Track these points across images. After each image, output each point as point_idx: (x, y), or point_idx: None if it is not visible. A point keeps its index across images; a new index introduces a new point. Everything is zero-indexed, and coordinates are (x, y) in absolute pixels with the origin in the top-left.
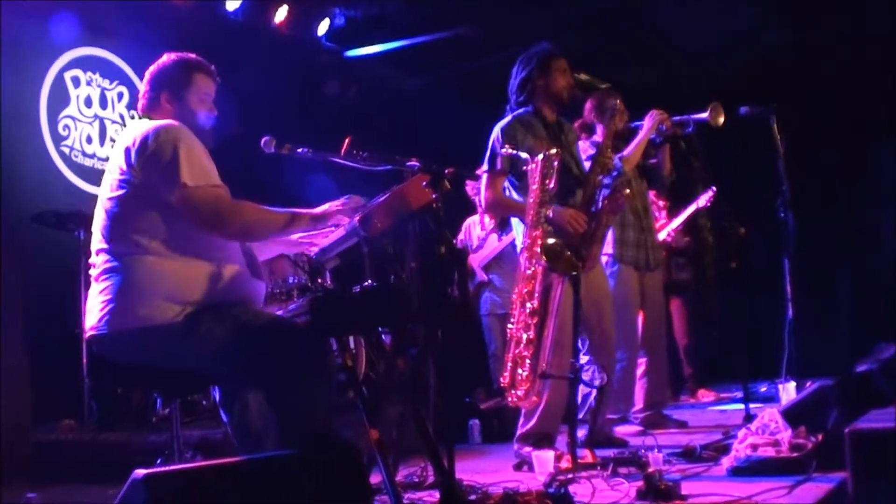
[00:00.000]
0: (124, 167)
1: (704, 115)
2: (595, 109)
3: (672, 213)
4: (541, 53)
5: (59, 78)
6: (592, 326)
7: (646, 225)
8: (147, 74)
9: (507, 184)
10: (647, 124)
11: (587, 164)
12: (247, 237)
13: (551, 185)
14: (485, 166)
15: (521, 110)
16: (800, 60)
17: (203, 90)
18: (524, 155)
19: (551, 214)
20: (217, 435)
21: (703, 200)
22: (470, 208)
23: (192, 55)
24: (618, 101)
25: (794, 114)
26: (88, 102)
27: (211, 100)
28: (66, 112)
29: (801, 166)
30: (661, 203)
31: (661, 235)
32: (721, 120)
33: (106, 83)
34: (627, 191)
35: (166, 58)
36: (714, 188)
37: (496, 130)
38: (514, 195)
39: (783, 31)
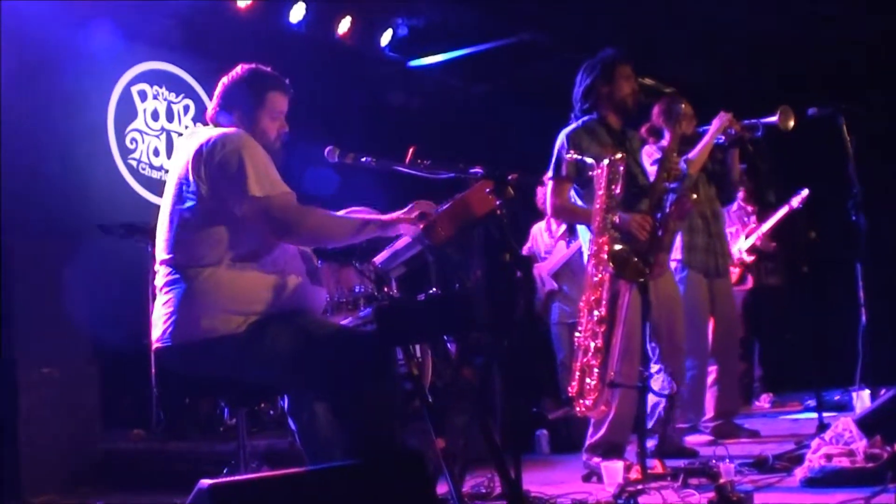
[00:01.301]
0: (188, 178)
1: (774, 118)
2: (663, 114)
3: (760, 217)
4: (605, 60)
5: (127, 92)
6: (663, 334)
7: (714, 230)
8: (219, 86)
9: (572, 191)
10: (714, 126)
11: (653, 169)
12: (316, 242)
13: (617, 191)
14: (550, 173)
15: (586, 118)
16: (868, 56)
17: (276, 108)
18: (590, 160)
19: (618, 220)
20: (283, 445)
21: (795, 202)
22: (538, 215)
23: (266, 69)
24: (684, 106)
25: (864, 113)
26: (155, 116)
27: (283, 116)
28: (133, 125)
29: (872, 167)
30: (749, 208)
31: (752, 239)
32: (791, 123)
33: (172, 96)
34: (695, 196)
35: (240, 70)
36: (807, 189)
37: (561, 137)
38: (579, 203)
39: (850, 27)
